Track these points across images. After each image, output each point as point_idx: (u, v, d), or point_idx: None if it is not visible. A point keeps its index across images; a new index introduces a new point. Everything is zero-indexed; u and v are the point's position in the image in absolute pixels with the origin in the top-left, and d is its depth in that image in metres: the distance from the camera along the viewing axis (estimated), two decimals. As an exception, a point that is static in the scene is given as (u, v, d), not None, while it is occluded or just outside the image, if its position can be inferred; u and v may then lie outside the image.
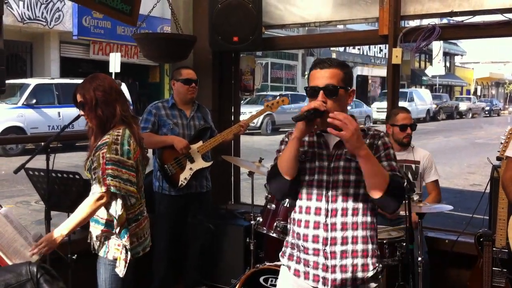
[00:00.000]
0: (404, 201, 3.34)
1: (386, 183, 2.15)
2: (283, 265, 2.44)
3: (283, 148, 2.34)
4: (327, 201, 2.26)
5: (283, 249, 2.46)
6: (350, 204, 2.26)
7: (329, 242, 2.25)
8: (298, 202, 2.34)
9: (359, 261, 2.27)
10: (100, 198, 2.76)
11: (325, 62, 2.26)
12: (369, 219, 2.30)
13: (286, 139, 2.38)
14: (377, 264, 2.33)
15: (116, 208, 2.83)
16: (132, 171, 2.82)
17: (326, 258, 2.26)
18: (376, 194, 2.17)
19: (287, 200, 3.60)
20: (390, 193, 2.16)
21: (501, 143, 3.56)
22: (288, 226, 2.44)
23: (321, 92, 2.20)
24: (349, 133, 2.06)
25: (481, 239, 3.62)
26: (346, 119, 2.08)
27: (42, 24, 18.26)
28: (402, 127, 4.06)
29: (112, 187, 2.74)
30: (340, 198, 2.25)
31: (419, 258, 3.47)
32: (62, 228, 2.78)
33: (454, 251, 4.00)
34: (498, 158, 3.62)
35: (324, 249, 2.25)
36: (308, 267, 2.30)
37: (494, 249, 3.54)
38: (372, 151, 2.22)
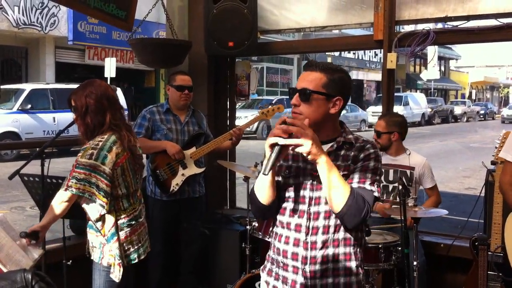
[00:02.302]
0: (400, 206, 3.35)
1: (344, 199, 1.99)
2: (262, 280, 2.30)
3: None
4: (309, 219, 2.11)
5: (265, 263, 2.33)
6: (332, 221, 2.10)
7: (308, 261, 2.10)
8: (279, 217, 2.20)
9: (341, 279, 2.13)
10: (62, 197, 2.77)
11: (312, 65, 2.13)
12: (352, 234, 2.13)
13: None
14: (362, 282, 2.18)
15: (94, 212, 2.84)
16: (103, 177, 2.80)
17: (305, 277, 2.11)
18: (334, 209, 2.04)
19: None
20: (347, 210, 2.00)
21: (496, 147, 3.57)
22: (270, 239, 2.31)
23: (296, 94, 2.09)
24: (307, 147, 1.93)
25: (476, 243, 3.62)
26: (299, 131, 1.93)
27: (37, 29, 18.22)
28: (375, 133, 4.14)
29: (73, 189, 2.74)
30: (322, 215, 2.10)
31: (415, 263, 3.47)
32: (37, 226, 2.80)
33: (449, 255, 4.00)
34: (492, 162, 3.63)
35: (303, 268, 2.11)
36: (286, 285, 2.16)
37: (489, 253, 3.54)
38: (350, 163, 2.11)
